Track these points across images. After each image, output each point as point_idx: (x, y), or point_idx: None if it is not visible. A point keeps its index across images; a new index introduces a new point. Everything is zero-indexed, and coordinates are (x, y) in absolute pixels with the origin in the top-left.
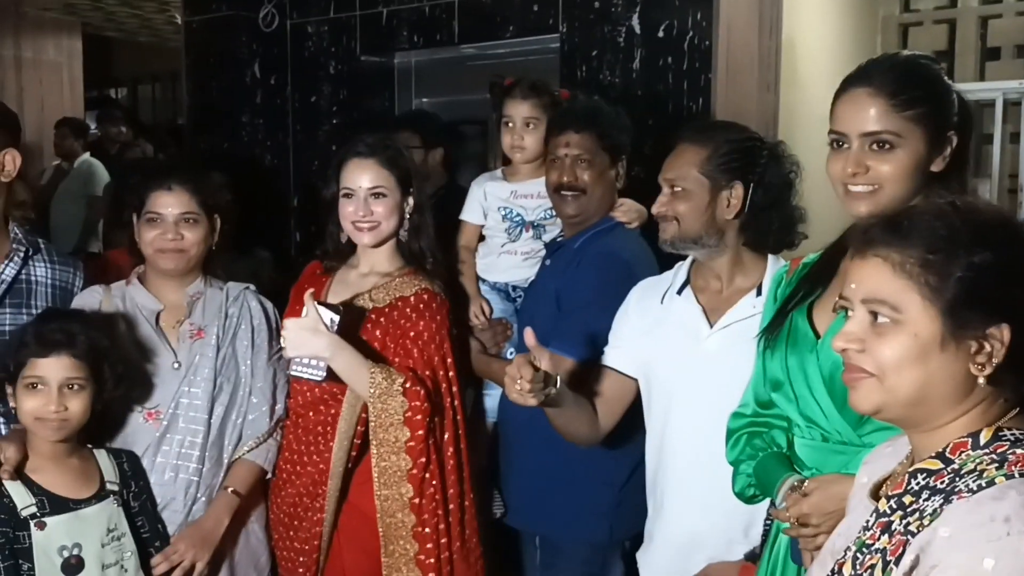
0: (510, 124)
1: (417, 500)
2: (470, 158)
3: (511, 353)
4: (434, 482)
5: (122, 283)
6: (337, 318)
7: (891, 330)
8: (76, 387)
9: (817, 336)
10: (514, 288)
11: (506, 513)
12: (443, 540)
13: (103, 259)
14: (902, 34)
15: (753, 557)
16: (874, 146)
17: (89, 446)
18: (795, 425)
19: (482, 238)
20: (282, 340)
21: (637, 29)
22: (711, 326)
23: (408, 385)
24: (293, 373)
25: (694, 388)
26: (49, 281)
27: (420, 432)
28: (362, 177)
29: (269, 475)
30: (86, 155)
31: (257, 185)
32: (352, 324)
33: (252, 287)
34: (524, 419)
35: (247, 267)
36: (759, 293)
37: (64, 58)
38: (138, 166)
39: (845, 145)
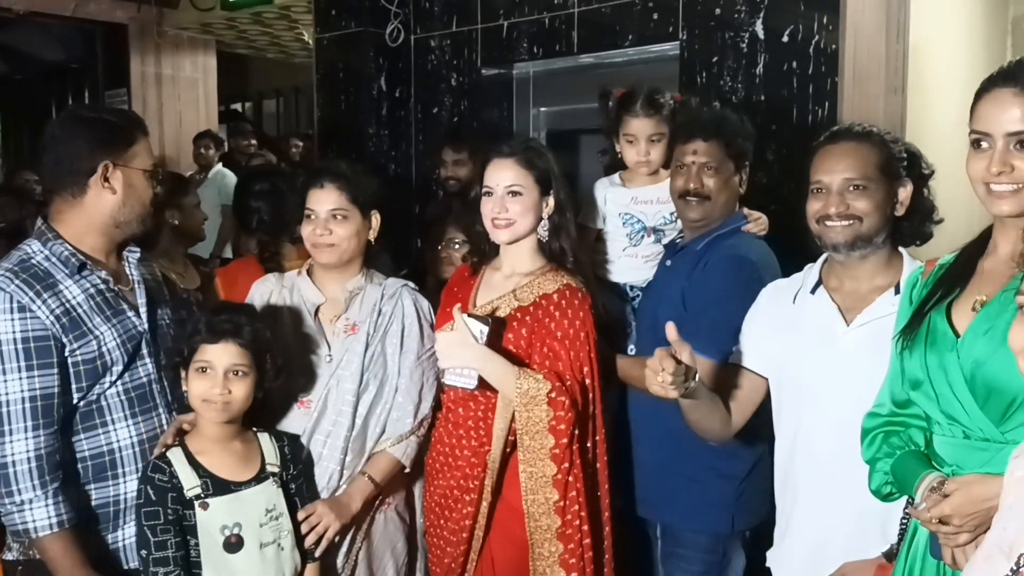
0: (633, 141)
1: (561, 503)
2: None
3: (631, 350)
4: (577, 485)
5: (294, 273)
6: (486, 329)
7: None
8: (240, 373)
9: (957, 335)
10: (631, 288)
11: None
12: (586, 540)
13: (227, 270)
14: None
15: (891, 556)
16: (1019, 146)
17: (253, 429)
18: (935, 423)
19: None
20: (436, 352)
21: (760, 35)
22: (847, 324)
23: (553, 395)
24: (447, 382)
25: (830, 386)
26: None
27: (564, 440)
28: (500, 175)
29: (407, 469)
30: (219, 166)
31: (382, 193)
32: (499, 333)
33: (410, 284)
34: (646, 412)
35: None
36: (897, 291)
37: (200, 74)
38: (261, 173)
39: (987, 145)
